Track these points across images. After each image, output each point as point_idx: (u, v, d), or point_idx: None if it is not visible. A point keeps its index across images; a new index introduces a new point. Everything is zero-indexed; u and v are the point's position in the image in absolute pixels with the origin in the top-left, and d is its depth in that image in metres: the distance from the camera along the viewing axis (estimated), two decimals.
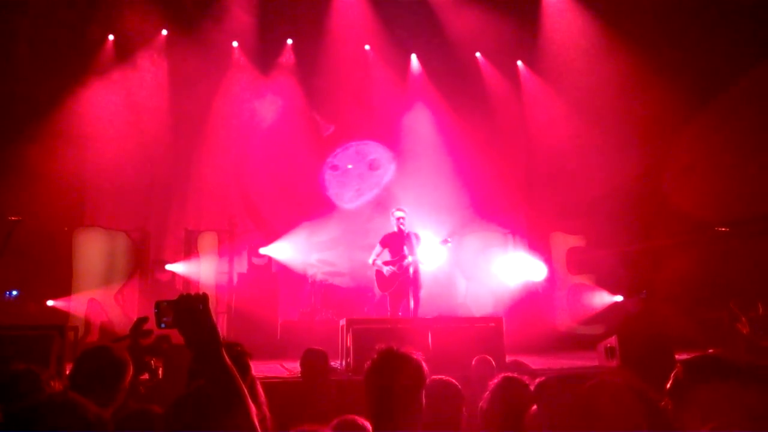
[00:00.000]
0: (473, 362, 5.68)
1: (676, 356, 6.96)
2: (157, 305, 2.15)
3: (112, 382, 2.91)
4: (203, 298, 2.06)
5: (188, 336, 2.03)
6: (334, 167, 12.72)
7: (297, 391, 5.17)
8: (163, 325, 2.12)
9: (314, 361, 5.50)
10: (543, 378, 3.15)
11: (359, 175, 12.78)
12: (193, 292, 2.10)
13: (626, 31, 11.22)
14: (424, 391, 2.49)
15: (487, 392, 3.16)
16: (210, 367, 2.01)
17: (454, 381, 3.27)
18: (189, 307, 2.04)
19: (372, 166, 12.67)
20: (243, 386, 2.03)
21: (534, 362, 7.35)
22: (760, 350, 7.66)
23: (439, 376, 3.29)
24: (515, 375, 3.27)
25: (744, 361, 2.59)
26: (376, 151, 12.80)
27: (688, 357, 2.60)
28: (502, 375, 3.24)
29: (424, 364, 2.52)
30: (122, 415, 2.69)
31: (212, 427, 2.01)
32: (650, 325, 10.34)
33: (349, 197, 12.53)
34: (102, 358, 2.99)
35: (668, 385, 2.47)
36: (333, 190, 12.52)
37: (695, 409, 2.32)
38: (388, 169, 12.48)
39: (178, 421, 2.24)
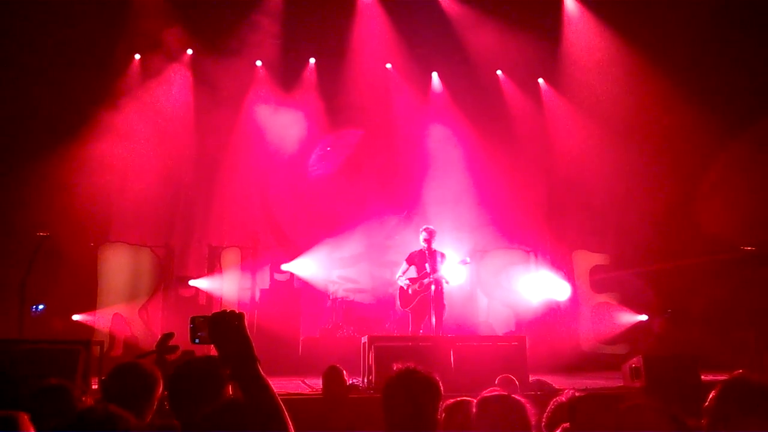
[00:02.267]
0: (496, 382, 5.64)
1: (702, 377, 6.90)
2: (193, 320, 2.19)
3: (144, 399, 2.93)
4: (239, 315, 2.10)
5: (224, 351, 2.06)
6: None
7: (318, 408, 5.18)
8: (197, 341, 2.16)
9: (335, 378, 5.53)
10: (576, 393, 3.10)
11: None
12: (228, 309, 2.13)
13: (650, 49, 11.18)
14: (440, 409, 2.56)
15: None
16: (246, 383, 2.04)
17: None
18: (225, 323, 2.07)
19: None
20: (280, 402, 2.05)
21: (557, 382, 7.28)
22: None
23: (463, 398, 3.21)
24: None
25: None
26: None
27: (725, 379, 2.58)
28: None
29: (440, 384, 2.57)
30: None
31: None
32: (676, 346, 10.21)
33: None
34: (134, 375, 3.02)
35: (706, 406, 2.48)
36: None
37: None
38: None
39: None
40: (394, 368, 2.62)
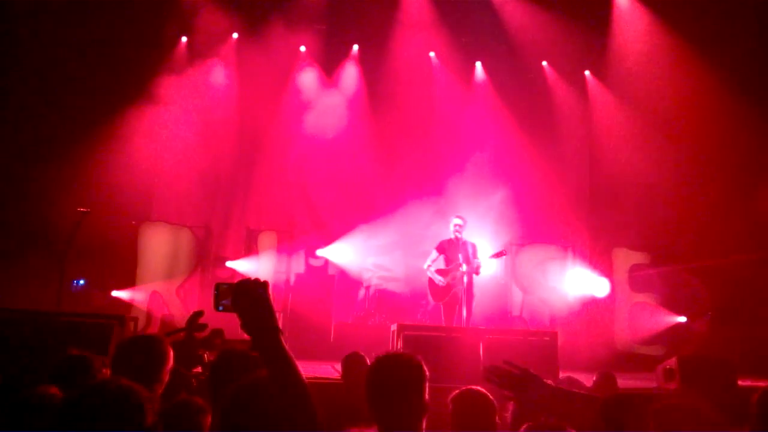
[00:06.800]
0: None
1: (740, 382, 6.69)
2: (217, 287, 2.16)
3: (151, 372, 2.95)
4: (263, 284, 2.05)
5: (246, 320, 2.01)
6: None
7: (339, 394, 5.19)
8: (221, 308, 2.12)
9: (353, 365, 5.54)
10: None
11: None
12: (254, 277, 2.08)
13: (701, 41, 10.84)
14: (426, 390, 2.48)
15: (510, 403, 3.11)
16: (267, 353, 1.99)
17: (484, 390, 3.21)
18: (248, 291, 2.03)
19: None
20: (302, 376, 2.01)
21: (588, 380, 7.13)
22: None
23: (470, 387, 3.26)
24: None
25: None
26: None
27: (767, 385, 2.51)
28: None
29: (423, 363, 2.52)
30: (167, 406, 2.75)
31: (271, 418, 1.99)
32: (715, 349, 9.93)
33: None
34: (142, 349, 3.03)
35: (748, 412, 2.43)
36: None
37: None
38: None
39: (235, 412, 2.24)
40: (380, 354, 2.59)
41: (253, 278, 2.07)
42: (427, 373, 2.53)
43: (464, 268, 8.37)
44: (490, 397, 3.21)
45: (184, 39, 12.14)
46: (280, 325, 2.04)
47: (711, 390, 6.15)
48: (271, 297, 2.04)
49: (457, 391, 3.32)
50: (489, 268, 8.83)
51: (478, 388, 3.25)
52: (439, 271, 8.70)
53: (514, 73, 12.83)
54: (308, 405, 1.96)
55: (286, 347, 1.99)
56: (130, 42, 11.07)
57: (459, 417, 3.18)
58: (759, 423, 2.41)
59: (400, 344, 6.81)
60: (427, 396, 2.47)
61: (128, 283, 11.00)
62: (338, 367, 7.47)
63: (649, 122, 11.41)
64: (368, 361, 5.75)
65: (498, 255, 8.72)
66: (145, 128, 10.97)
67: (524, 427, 2.36)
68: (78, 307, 8.95)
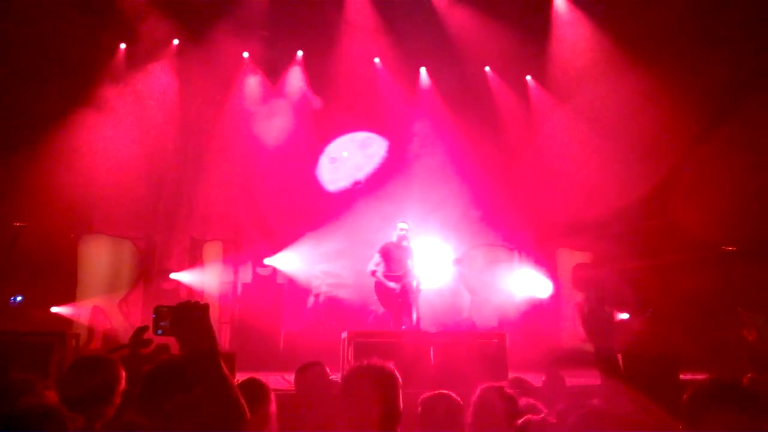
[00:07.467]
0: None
1: (681, 376, 6.91)
2: (156, 310, 2.14)
3: (103, 394, 2.86)
4: (203, 307, 2.03)
5: (184, 343, 1.99)
6: (333, 159, 12.73)
7: (292, 404, 5.11)
8: (160, 331, 2.10)
9: (309, 375, 5.42)
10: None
11: (352, 161, 12.82)
12: (194, 300, 2.06)
13: (637, 47, 11.18)
14: (400, 396, 2.53)
15: (470, 406, 3.23)
16: (205, 377, 1.96)
17: (453, 394, 3.31)
18: (188, 314, 2.01)
19: (363, 146, 12.71)
20: (241, 400, 1.98)
21: (537, 379, 7.24)
22: (764, 360, 7.61)
23: (439, 391, 3.32)
24: (494, 384, 3.32)
25: (747, 387, 2.60)
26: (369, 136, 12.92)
27: (697, 381, 2.59)
28: (481, 387, 3.31)
29: (395, 371, 2.57)
30: (110, 428, 2.65)
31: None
32: (655, 345, 10.23)
33: (341, 182, 12.59)
34: (93, 370, 2.94)
35: (682, 412, 2.50)
36: (328, 178, 12.54)
37: None
38: (379, 150, 12.53)
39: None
40: (354, 364, 2.63)
41: (193, 301, 2.04)
42: (400, 381, 2.56)
43: (413, 273, 8.41)
44: (459, 400, 3.28)
45: (122, 46, 11.83)
46: (227, 338, 2.02)
47: (653, 385, 6.33)
48: (212, 319, 2.02)
49: (427, 394, 3.38)
50: (446, 275, 8.91)
51: (447, 391, 3.34)
52: (388, 277, 8.67)
53: (458, 78, 12.98)
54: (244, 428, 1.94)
55: (225, 371, 1.96)
56: (68, 49, 10.74)
57: (428, 419, 3.24)
58: (688, 423, 2.50)
59: (351, 351, 6.79)
60: (401, 403, 2.49)
61: (68, 298, 10.64)
62: (288, 377, 7.39)
63: (590, 125, 11.70)
64: (326, 369, 5.68)
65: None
66: (83, 137, 10.66)
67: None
68: (16, 324, 8.61)
